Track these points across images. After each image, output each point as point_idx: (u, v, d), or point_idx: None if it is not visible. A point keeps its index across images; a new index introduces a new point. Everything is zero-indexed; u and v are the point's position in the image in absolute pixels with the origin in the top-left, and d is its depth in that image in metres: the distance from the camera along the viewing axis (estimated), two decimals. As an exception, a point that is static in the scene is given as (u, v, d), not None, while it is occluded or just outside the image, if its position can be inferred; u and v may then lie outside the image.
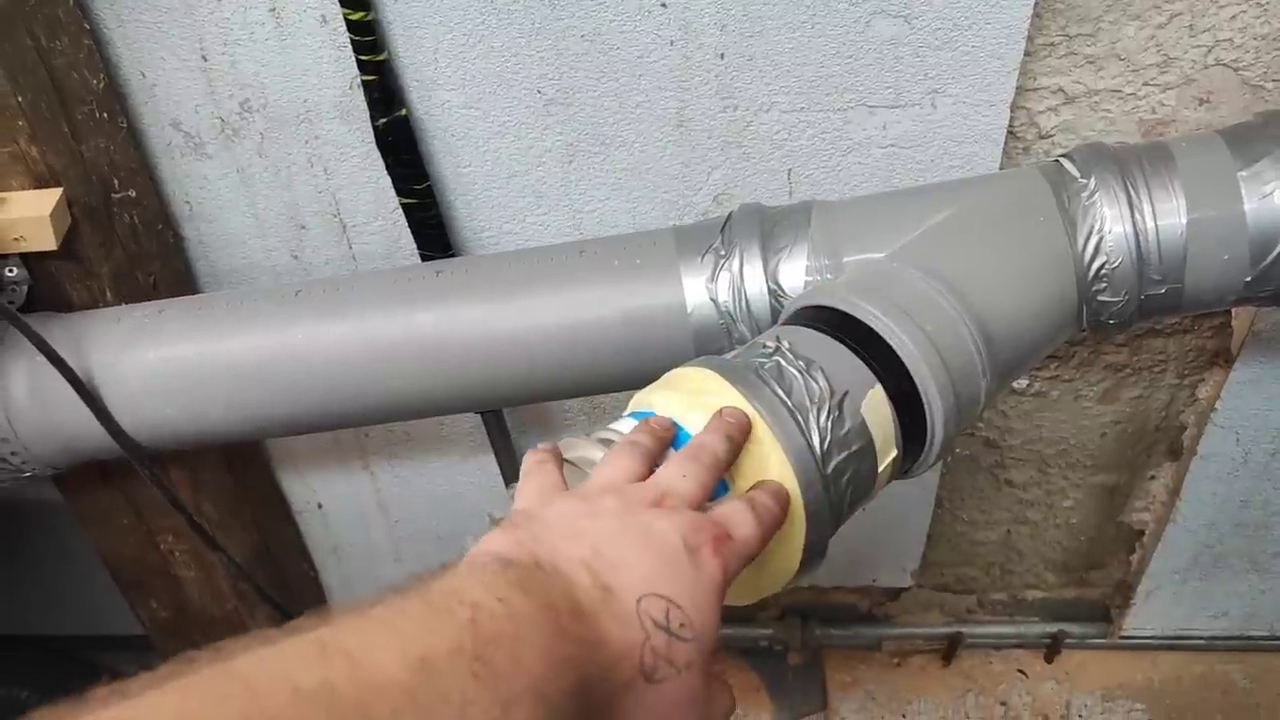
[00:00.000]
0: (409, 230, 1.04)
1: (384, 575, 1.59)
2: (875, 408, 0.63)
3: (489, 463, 1.27)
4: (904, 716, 1.64)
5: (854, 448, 0.61)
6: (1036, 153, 1.06)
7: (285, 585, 1.40)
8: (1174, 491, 1.38)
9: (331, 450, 1.36)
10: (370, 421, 0.90)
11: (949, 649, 1.66)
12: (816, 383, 0.61)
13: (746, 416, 0.57)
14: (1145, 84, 1.00)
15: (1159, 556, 1.45)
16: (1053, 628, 1.62)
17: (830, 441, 0.60)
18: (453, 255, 1.06)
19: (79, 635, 1.74)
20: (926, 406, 0.65)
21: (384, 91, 0.95)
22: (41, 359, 0.82)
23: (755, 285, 0.79)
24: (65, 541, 1.51)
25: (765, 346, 0.64)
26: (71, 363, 0.83)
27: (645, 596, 0.46)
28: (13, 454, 0.87)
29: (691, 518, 0.50)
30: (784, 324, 0.70)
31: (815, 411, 0.60)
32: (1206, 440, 1.28)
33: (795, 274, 0.78)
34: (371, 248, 1.10)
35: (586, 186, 1.05)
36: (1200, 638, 1.60)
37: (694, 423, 0.58)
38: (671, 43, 0.94)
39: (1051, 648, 1.64)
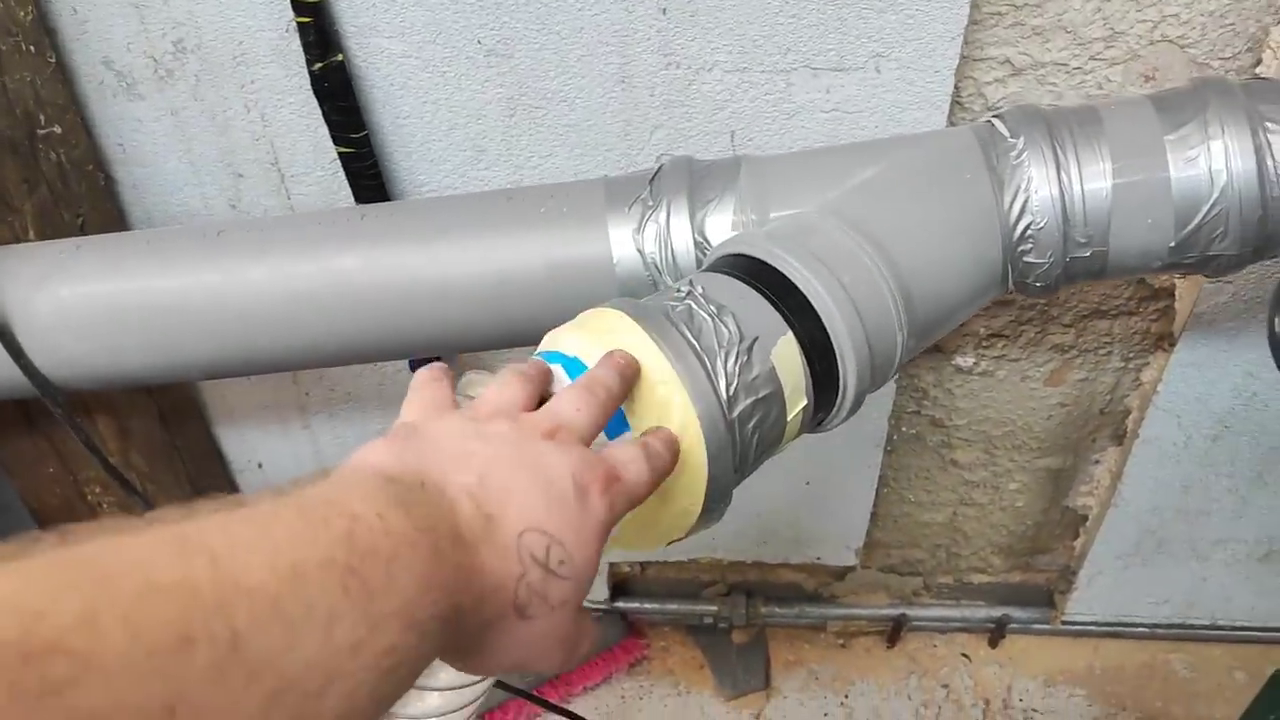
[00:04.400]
0: (347, 181, 1.03)
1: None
2: (786, 355, 0.62)
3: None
4: (846, 697, 1.63)
5: (761, 394, 0.60)
6: (983, 124, 1.05)
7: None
8: (1117, 476, 1.38)
9: (271, 408, 1.34)
10: (293, 366, 0.89)
11: (893, 631, 1.66)
12: (726, 327, 0.60)
13: (634, 358, 0.56)
14: (1091, 58, 1.00)
15: (1101, 541, 1.45)
16: (997, 612, 1.63)
17: (737, 386, 0.59)
18: (390, 207, 1.04)
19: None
20: (839, 358, 0.64)
21: (320, 35, 0.93)
22: (-49, 291, 0.80)
23: (681, 237, 0.77)
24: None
25: (679, 291, 0.63)
26: (-17, 296, 0.81)
27: (527, 531, 0.45)
28: (-78, 389, 0.85)
29: (584, 455, 0.49)
30: (702, 271, 0.69)
31: (723, 355, 0.59)
32: (1149, 424, 1.28)
33: (722, 227, 0.77)
34: (310, 198, 1.09)
35: (528, 142, 1.03)
36: (1142, 625, 1.60)
37: None
38: (613, -6, 0.93)
39: (995, 632, 1.65)
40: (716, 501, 0.60)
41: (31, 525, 1.19)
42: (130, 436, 1.12)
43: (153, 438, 1.16)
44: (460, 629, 0.42)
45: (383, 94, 0.99)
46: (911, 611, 1.64)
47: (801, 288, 0.64)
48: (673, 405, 0.57)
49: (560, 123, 1.01)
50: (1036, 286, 0.76)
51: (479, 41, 0.95)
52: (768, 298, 0.63)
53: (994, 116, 0.77)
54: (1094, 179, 0.72)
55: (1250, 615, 1.56)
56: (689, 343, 0.58)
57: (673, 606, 1.67)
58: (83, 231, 1.01)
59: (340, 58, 0.95)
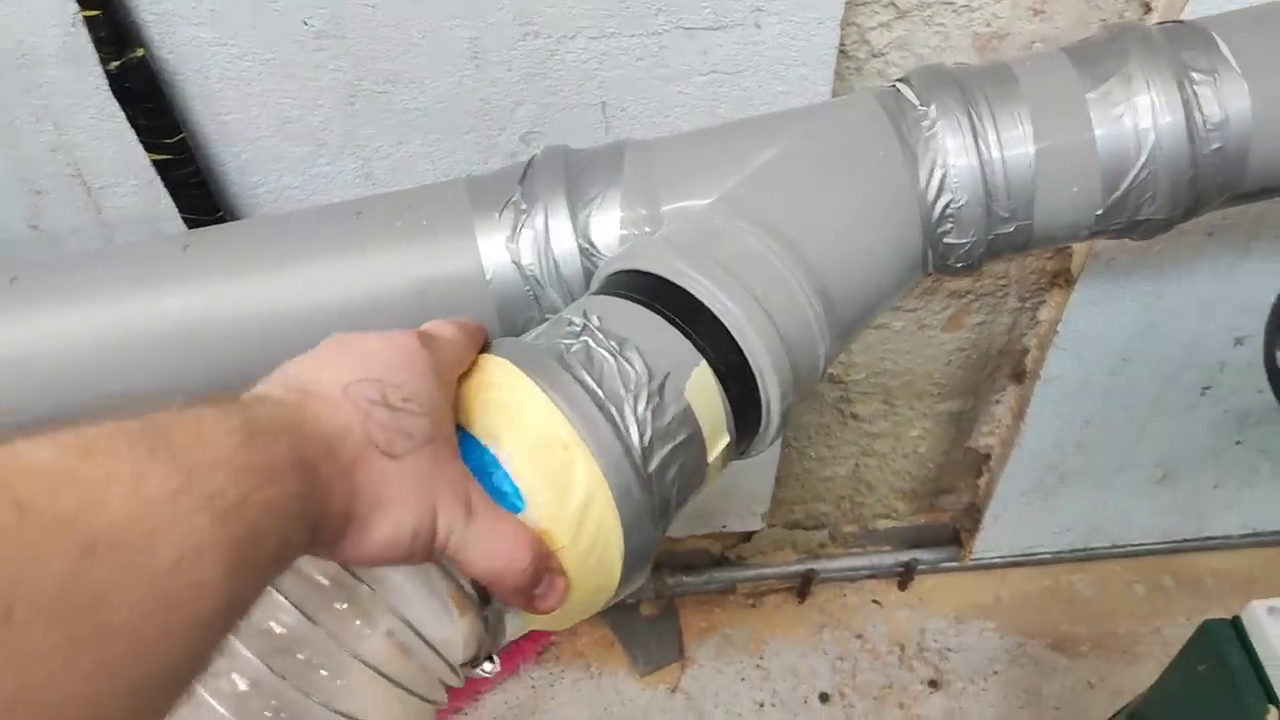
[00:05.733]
0: (167, 190, 0.89)
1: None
2: (702, 389, 0.54)
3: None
4: (762, 658, 1.60)
5: (679, 438, 0.52)
6: (870, 73, 0.98)
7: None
8: (1018, 415, 1.35)
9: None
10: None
11: (803, 586, 1.62)
12: (632, 366, 0.51)
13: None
14: (978, -7, 0.93)
15: (1005, 479, 1.44)
16: (905, 556, 1.61)
17: (651, 436, 0.50)
18: (221, 217, 0.91)
19: None
20: (760, 382, 0.56)
21: (113, 29, 0.79)
22: None
23: (563, 243, 0.68)
24: None
25: (572, 324, 0.53)
26: None
27: (352, 384, 0.42)
28: None
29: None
30: (595, 293, 0.60)
31: (631, 401, 0.50)
32: (1049, 363, 1.25)
33: (609, 227, 0.68)
34: (126, 211, 0.95)
35: (374, 130, 0.91)
36: (1045, 553, 1.61)
37: None
38: (454, -40, 0.81)
39: (904, 576, 1.63)
40: (636, 568, 0.52)
41: None
42: None
43: None
44: (317, 475, 0.38)
45: (198, 89, 0.86)
46: (819, 565, 1.61)
47: (713, 308, 0.55)
48: (575, 471, 0.48)
49: (409, 106, 0.89)
50: (957, 267, 0.69)
51: (305, 22, 0.83)
52: (675, 323, 0.55)
53: (899, 81, 0.69)
54: (1014, 145, 0.65)
55: (1147, 534, 1.58)
56: (589, 391, 0.49)
57: (577, 588, 1.60)
58: None
59: (141, 52, 0.81)
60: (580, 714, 1.56)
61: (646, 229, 0.68)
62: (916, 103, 0.67)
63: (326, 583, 0.44)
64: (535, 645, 1.60)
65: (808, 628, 1.63)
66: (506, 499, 0.47)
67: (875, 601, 1.65)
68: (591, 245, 0.68)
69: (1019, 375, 1.34)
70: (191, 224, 0.90)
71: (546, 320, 0.58)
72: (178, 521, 0.31)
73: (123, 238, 0.96)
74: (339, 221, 0.71)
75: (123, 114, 0.84)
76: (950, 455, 1.50)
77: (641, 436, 0.50)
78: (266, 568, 0.35)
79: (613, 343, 0.52)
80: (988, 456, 1.47)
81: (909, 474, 1.52)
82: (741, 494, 1.42)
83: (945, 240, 0.66)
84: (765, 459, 1.37)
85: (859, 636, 1.61)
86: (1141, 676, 1.36)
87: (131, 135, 0.85)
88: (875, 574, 1.65)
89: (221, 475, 0.33)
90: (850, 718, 1.53)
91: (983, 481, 1.50)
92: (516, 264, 0.69)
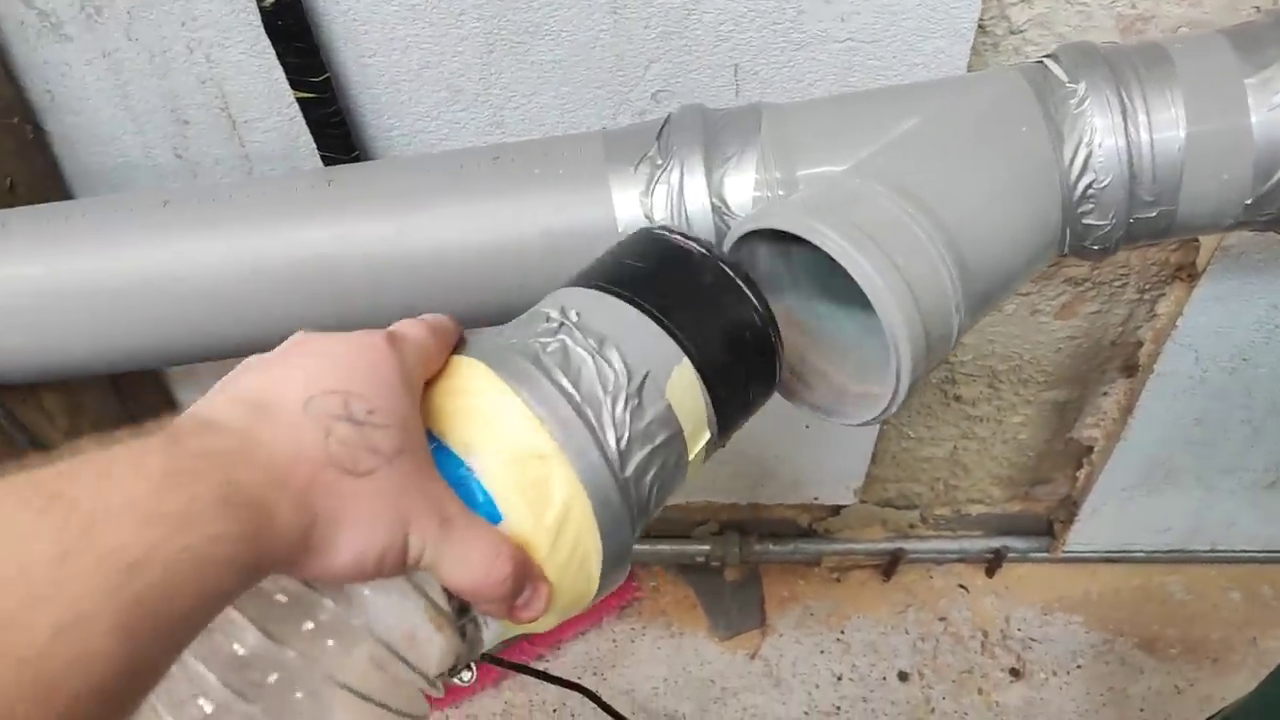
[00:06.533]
0: (308, 128, 0.92)
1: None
2: (683, 388, 0.51)
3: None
4: (843, 632, 1.60)
5: (658, 440, 0.50)
6: (1006, 50, 0.96)
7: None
8: (1126, 409, 1.33)
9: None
10: (257, 349, 0.79)
11: (890, 564, 1.62)
12: (611, 366, 0.49)
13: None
14: (1126, -29, 0.91)
15: (1107, 473, 1.41)
16: (995, 543, 1.59)
17: (629, 439, 0.48)
18: (356, 156, 0.94)
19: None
20: (893, 350, 0.56)
21: (270, -35, 0.82)
22: None
23: (697, 201, 0.68)
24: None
25: (549, 319, 0.51)
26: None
27: (313, 397, 0.39)
28: None
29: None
30: (573, 284, 0.55)
31: (610, 404, 0.48)
32: (1165, 358, 1.23)
33: (743, 188, 0.68)
34: (267, 146, 0.98)
35: (509, 80, 0.93)
36: (1140, 551, 1.57)
37: None
38: (603, -86, 0.82)
39: (993, 562, 1.61)
40: (615, 567, 0.50)
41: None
42: (82, 412, 1.03)
43: (106, 410, 1.07)
44: (260, 509, 0.35)
45: (345, 30, 0.88)
46: (908, 545, 1.60)
47: (851, 272, 0.55)
48: (553, 483, 0.46)
49: (545, 58, 0.91)
50: (1093, 250, 0.68)
51: (451, -31, 0.84)
52: (656, 319, 0.51)
53: (1046, 57, 0.68)
54: (1165, 128, 0.64)
55: (1251, 541, 1.54)
56: (567, 396, 0.47)
57: (664, 547, 1.62)
58: (12, 192, 0.90)
59: (294, -9, 0.83)
60: (658, 671, 1.58)
61: (780, 192, 0.68)
62: (1065, 79, 0.66)
63: (288, 600, 0.41)
64: (619, 599, 1.62)
65: (891, 606, 1.63)
66: (483, 508, 0.45)
67: (961, 586, 1.64)
68: (724, 204, 0.68)
69: (1130, 368, 1.31)
70: (328, 162, 0.93)
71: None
72: (62, 587, 0.28)
73: (261, 172, 0.99)
74: (477, 166, 0.73)
75: (273, 51, 0.86)
76: (1051, 444, 1.48)
77: (619, 441, 0.48)
78: (180, 625, 0.31)
79: (591, 341, 0.49)
80: (1090, 449, 1.45)
81: (1007, 460, 1.51)
82: (837, 467, 1.42)
83: (1084, 221, 0.66)
84: (864, 434, 1.36)
85: (942, 619, 1.61)
86: (1233, 686, 1.34)
87: (279, 72, 0.88)
88: (964, 558, 1.63)
89: (126, 527, 0.30)
90: (928, 698, 1.53)
91: (1082, 474, 1.48)
92: (649, 218, 0.69)
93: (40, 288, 0.73)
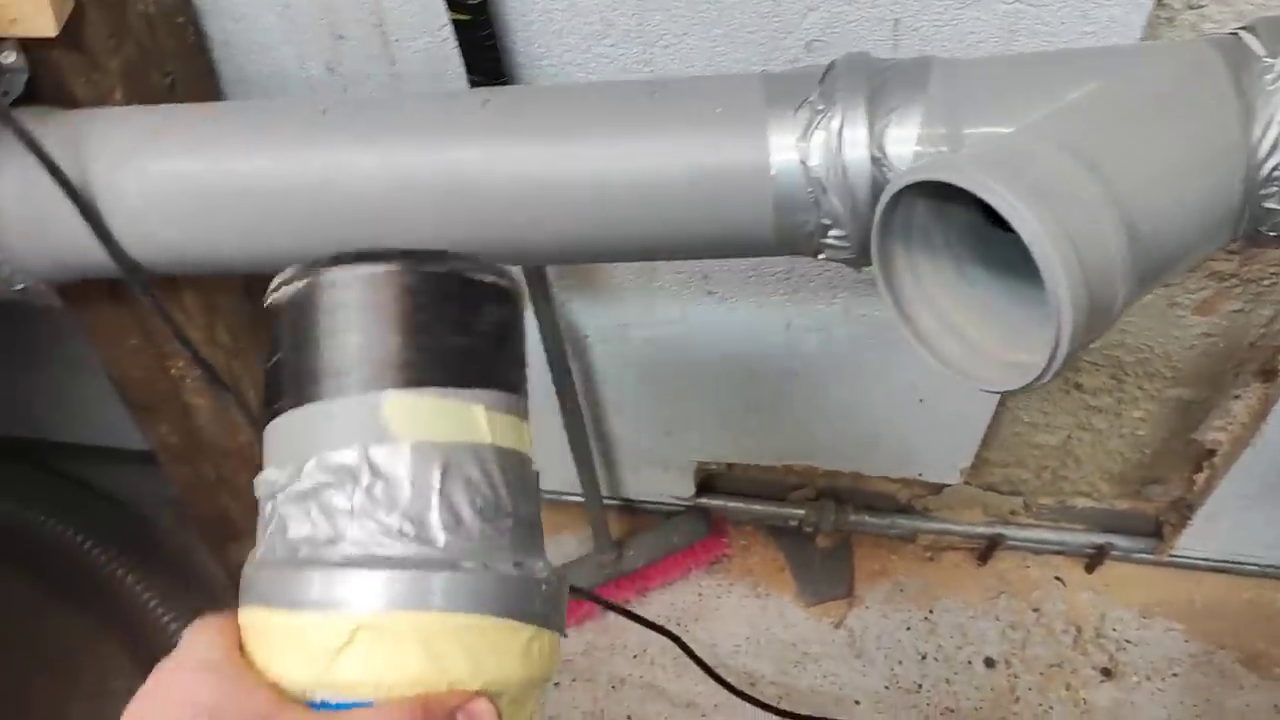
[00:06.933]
0: (459, 51, 0.92)
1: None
2: (405, 411, 0.50)
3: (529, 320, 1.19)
4: (931, 612, 1.58)
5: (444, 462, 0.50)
6: (1182, 25, 0.92)
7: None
8: (1259, 415, 1.27)
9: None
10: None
11: (986, 549, 1.59)
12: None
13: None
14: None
15: (1229, 480, 1.36)
16: (1099, 538, 1.55)
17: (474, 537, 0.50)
18: (504, 83, 0.94)
19: (91, 446, 1.71)
20: (1055, 314, 0.54)
21: (439, -117, 0.82)
22: (35, 160, 0.72)
23: (856, 151, 0.67)
24: (76, 350, 1.45)
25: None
26: (67, 167, 0.73)
27: None
28: (1, 263, 0.78)
29: None
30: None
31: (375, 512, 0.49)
32: (1309, 365, 1.17)
33: (905, 142, 0.66)
34: (416, 67, 0.98)
35: (663, 18, 0.92)
36: (1253, 564, 1.52)
37: None
38: None
39: (1094, 558, 1.57)
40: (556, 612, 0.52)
41: (115, 394, 1.15)
42: (216, 312, 1.05)
43: (239, 312, 1.10)
44: None
45: (504, -46, 0.88)
46: (1008, 531, 1.57)
47: (1020, 231, 0.54)
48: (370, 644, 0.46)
49: (702, -2, 0.89)
50: (1269, 236, 0.64)
51: (619, -101, 0.83)
52: None
53: (1240, 30, 0.65)
54: (1366, 113, 0.60)
55: (1375, 565, 1.47)
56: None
57: (758, 507, 1.61)
58: (172, 91, 0.92)
59: (460, -90, 0.83)
60: (741, 630, 1.58)
61: (944, 148, 0.66)
62: (1262, 53, 0.62)
63: None
64: (708, 554, 1.63)
65: (984, 591, 1.60)
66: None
67: (1058, 578, 1.60)
68: (884, 156, 0.67)
69: (1268, 373, 1.26)
70: (476, 85, 0.93)
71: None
72: None
73: (410, 90, 1.00)
74: (633, 97, 0.72)
75: (432, -31, 0.87)
76: (1170, 444, 1.43)
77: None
78: None
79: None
80: (1212, 452, 1.39)
81: (1121, 455, 1.46)
82: (946, 444, 1.40)
83: (1265, 204, 0.62)
84: (979, 414, 1.33)
85: (1036, 610, 1.58)
86: (1340, 711, 1.28)
87: (436, -9, 0.88)
88: (1064, 551, 1.60)
89: None
90: (1014, 687, 1.50)
91: (1201, 477, 1.43)
92: (804, 164, 0.68)
93: (198, 185, 0.75)
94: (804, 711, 1.42)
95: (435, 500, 0.48)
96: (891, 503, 1.60)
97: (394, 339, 0.51)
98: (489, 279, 0.55)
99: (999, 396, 1.30)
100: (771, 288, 1.18)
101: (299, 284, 0.54)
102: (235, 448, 1.21)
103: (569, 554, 1.65)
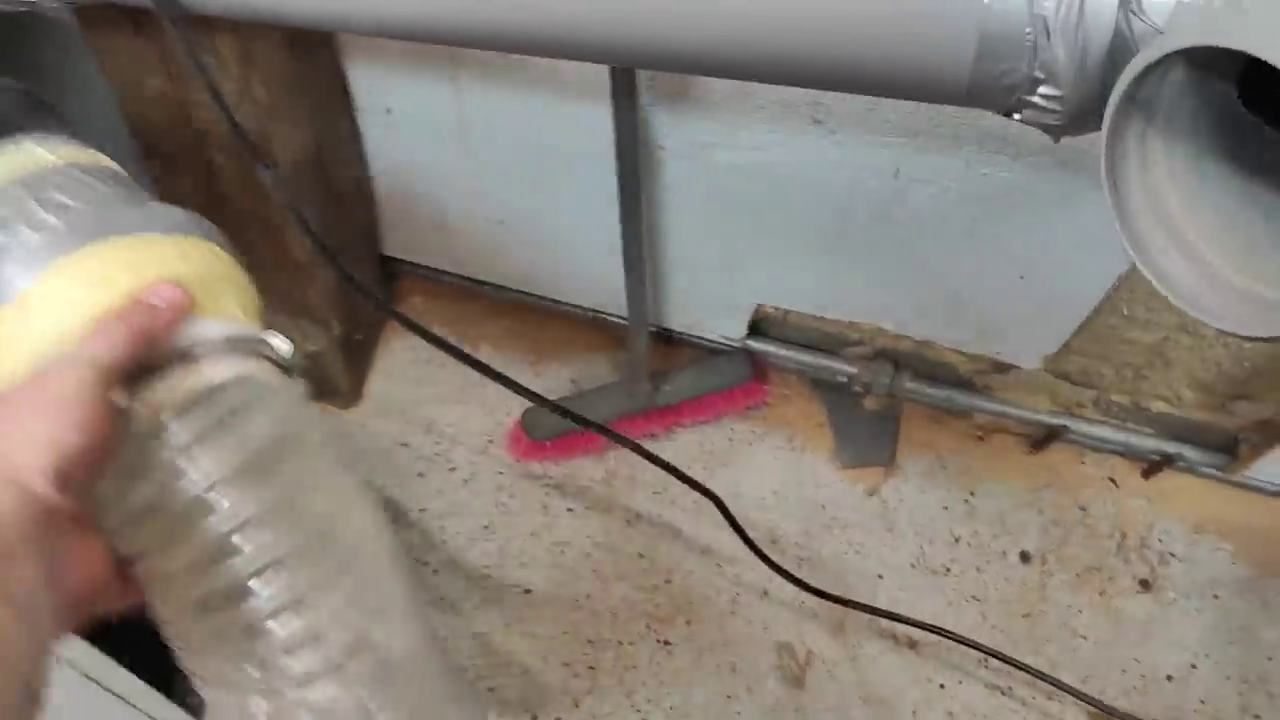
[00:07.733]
0: None
1: (450, 203, 1.38)
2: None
3: (602, 120, 1.03)
4: (973, 494, 1.49)
5: None
6: None
7: (332, 190, 1.20)
8: (1391, 350, 1.14)
9: (414, 50, 1.11)
10: (476, 45, 0.65)
11: (1043, 439, 1.48)
12: None
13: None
14: None
15: (1332, 412, 1.24)
16: (1169, 446, 1.44)
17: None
18: None
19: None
20: None
21: None
22: None
23: (1101, -14, 0.51)
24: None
25: None
26: None
27: None
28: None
29: None
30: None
31: None
32: None
33: (1164, -14, 0.51)
34: None
35: None
36: (1325, 499, 1.42)
37: None
38: None
39: (1154, 466, 1.47)
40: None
41: (127, 137, 1.01)
42: (253, 63, 0.90)
43: (277, 67, 0.95)
44: None
45: None
46: (1072, 422, 1.46)
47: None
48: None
49: None
50: None
51: None
52: None
53: None
54: None
55: None
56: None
57: (807, 358, 1.49)
58: None
59: None
60: (769, 481, 1.50)
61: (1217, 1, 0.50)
62: None
63: None
64: (746, 399, 1.52)
65: (1029, 481, 1.50)
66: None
67: (1111, 480, 1.51)
68: (1138, 1, 0.51)
69: None
70: None
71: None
72: None
73: None
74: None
75: None
76: (1275, 362, 1.30)
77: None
78: None
79: None
80: (1322, 379, 1.27)
81: (1217, 365, 1.33)
82: (1035, 327, 1.27)
83: None
84: (1083, 298, 1.20)
85: (1082, 509, 1.48)
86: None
87: None
88: (1125, 453, 1.49)
89: None
90: (1044, 584, 1.43)
91: (1301, 404, 1.31)
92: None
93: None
94: (823, 578, 1.35)
95: (35, 206, 0.56)
96: (952, 374, 1.48)
97: None
98: None
99: (1110, 286, 1.16)
100: (890, 127, 1.03)
101: None
102: (259, 212, 1.08)
103: (600, 377, 1.55)
